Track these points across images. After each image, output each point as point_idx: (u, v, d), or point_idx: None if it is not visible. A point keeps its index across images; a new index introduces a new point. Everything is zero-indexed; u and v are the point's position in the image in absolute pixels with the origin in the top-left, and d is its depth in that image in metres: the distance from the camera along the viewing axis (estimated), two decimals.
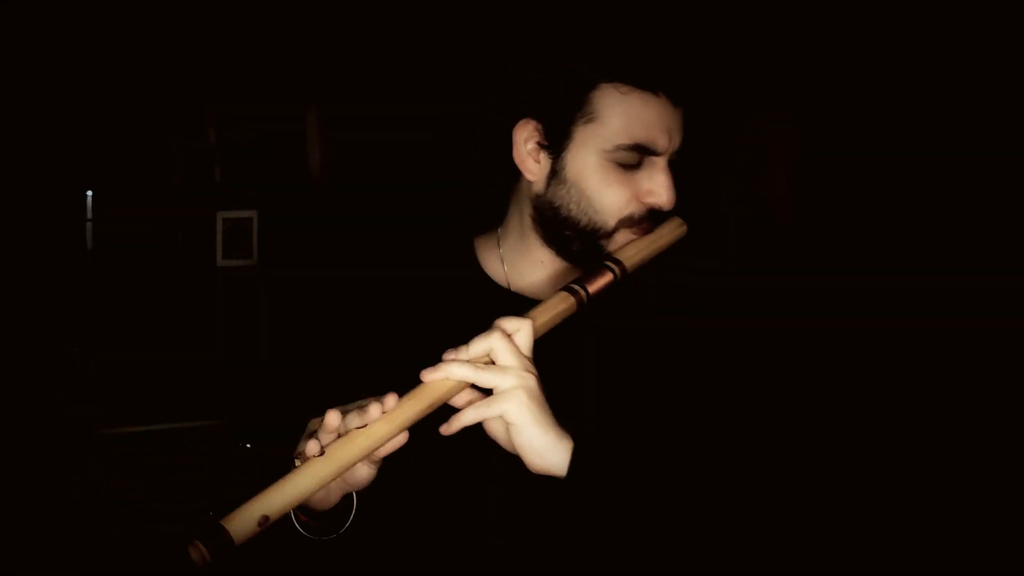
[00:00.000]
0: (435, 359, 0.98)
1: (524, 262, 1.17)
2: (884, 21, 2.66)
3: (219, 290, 3.25)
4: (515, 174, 1.15)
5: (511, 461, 0.97)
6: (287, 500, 0.90)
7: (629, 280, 1.08)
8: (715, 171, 3.01)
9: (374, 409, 0.93)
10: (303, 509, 1.02)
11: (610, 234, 1.09)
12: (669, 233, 1.12)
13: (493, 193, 1.20)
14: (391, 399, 0.94)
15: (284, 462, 0.95)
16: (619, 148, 1.07)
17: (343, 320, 1.21)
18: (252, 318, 3.19)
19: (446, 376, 0.95)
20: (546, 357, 1.01)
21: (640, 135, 1.07)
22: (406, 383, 0.96)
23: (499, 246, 1.20)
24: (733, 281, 1.20)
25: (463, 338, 0.98)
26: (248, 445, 2.84)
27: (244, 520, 0.88)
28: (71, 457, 2.90)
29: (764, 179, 2.99)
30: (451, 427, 0.96)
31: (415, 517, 1.11)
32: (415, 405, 0.94)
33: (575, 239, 1.11)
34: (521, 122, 1.11)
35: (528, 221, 1.15)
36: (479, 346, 0.96)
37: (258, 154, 3.29)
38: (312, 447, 0.92)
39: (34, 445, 2.84)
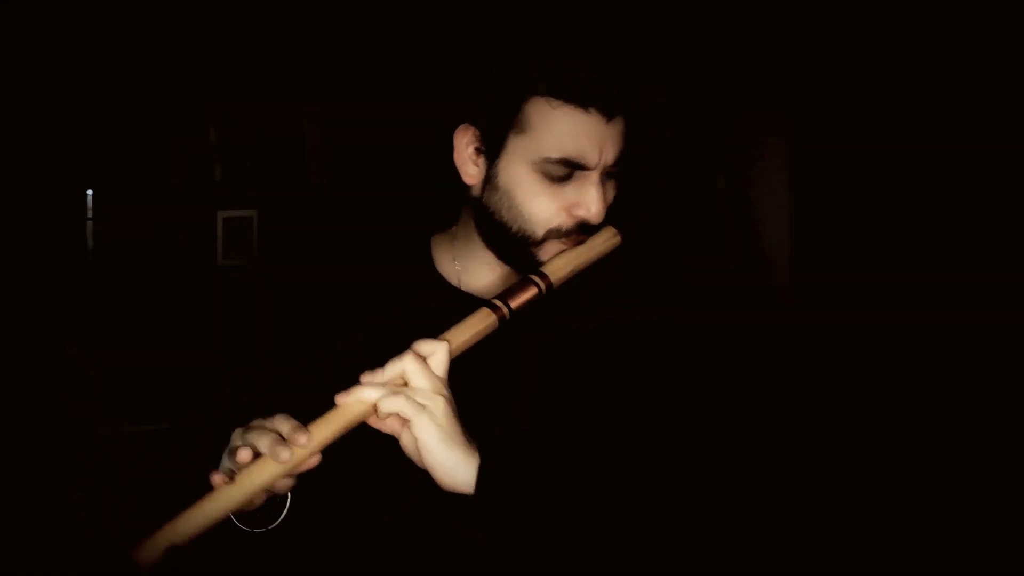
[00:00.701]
0: (384, 358, 1.01)
1: (473, 261, 1.19)
2: (879, 16, 2.66)
3: (219, 290, 3.25)
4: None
5: (424, 473, 1.00)
6: (194, 527, 0.93)
7: (556, 293, 1.09)
8: (713, 170, 3.01)
9: (281, 447, 0.95)
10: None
11: (539, 243, 1.11)
12: (601, 244, 1.12)
13: (452, 192, 1.21)
14: (301, 436, 0.96)
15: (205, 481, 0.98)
16: (547, 161, 1.08)
17: (307, 320, 1.23)
18: (252, 318, 3.19)
19: (358, 399, 0.98)
20: (481, 359, 1.05)
21: (569, 149, 1.07)
22: (353, 383, 1.00)
23: (452, 245, 1.22)
24: (681, 278, 1.21)
25: (412, 337, 1.02)
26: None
27: (151, 550, 0.91)
28: (71, 457, 2.90)
29: (759, 178, 2.99)
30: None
31: (335, 520, 1.14)
32: (328, 428, 0.97)
33: (511, 245, 1.13)
34: (461, 127, 1.14)
35: (472, 223, 1.17)
36: (393, 369, 0.99)
37: (258, 154, 3.29)
38: (218, 478, 0.95)
39: (34, 445, 2.84)
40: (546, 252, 1.11)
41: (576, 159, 1.08)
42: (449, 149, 1.15)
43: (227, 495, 0.94)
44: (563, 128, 1.07)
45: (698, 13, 2.91)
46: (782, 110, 2.91)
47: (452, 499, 0.99)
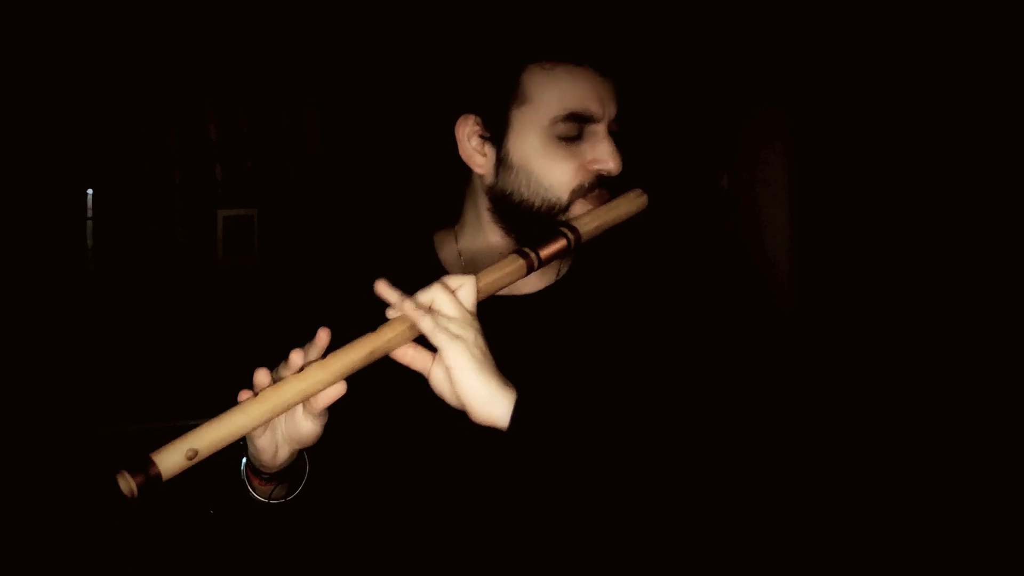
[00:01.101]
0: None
1: (482, 255, 1.20)
2: (880, 16, 2.66)
3: (219, 289, 3.25)
4: (465, 171, 1.18)
5: (457, 416, 0.98)
6: (218, 436, 0.92)
7: (585, 247, 1.10)
8: (716, 169, 3.01)
9: (295, 357, 0.97)
10: (258, 473, 1.05)
11: (566, 208, 1.12)
12: (628, 203, 1.14)
13: (452, 188, 1.22)
14: (313, 351, 0.98)
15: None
16: (556, 121, 1.10)
17: (308, 319, 1.23)
18: (252, 317, 3.19)
19: (395, 303, 0.97)
20: (502, 321, 1.05)
21: (574, 104, 1.10)
22: (362, 378, 0.99)
23: (457, 240, 1.23)
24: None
25: None
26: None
27: (173, 454, 0.89)
28: (71, 457, 2.89)
29: (759, 178, 2.99)
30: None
31: (365, 479, 1.15)
32: (352, 355, 0.96)
33: (534, 222, 1.13)
34: (460, 119, 1.15)
35: (486, 215, 1.18)
36: (423, 297, 0.99)
37: (259, 151, 3.29)
38: (244, 394, 0.96)
39: (34, 445, 2.84)
40: (573, 215, 1.12)
41: (582, 112, 1.10)
42: (451, 145, 1.16)
43: (251, 408, 0.94)
44: (563, 86, 1.10)
45: (699, 14, 2.91)
46: (782, 110, 2.92)
47: (486, 434, 0.97)
